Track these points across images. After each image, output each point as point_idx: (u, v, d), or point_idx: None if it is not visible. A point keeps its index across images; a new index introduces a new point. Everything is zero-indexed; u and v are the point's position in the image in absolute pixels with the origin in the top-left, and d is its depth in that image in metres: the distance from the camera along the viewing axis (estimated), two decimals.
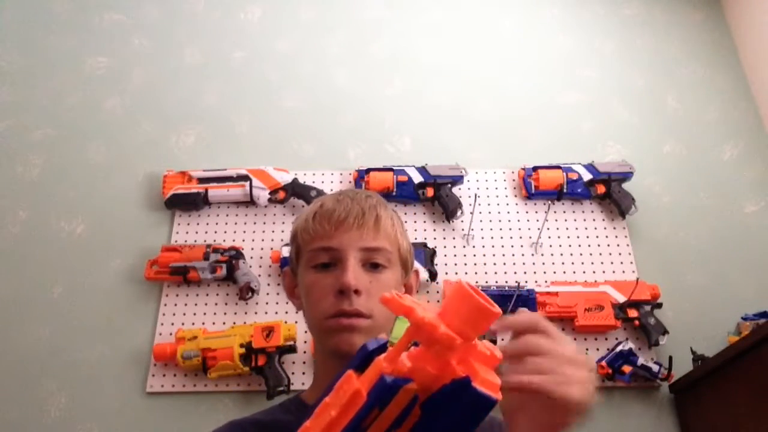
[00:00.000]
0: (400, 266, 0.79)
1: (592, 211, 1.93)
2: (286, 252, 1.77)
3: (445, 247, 1.87)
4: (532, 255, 1.86)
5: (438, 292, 1.79)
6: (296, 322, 1.74)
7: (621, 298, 1.73)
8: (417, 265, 1.59)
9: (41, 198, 1.96)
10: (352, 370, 0.45)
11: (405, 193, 1.87)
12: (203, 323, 1.76)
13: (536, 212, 1.92)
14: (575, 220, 1.92)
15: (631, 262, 1.85)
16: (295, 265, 0.80)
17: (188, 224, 1.90)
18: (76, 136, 2.07)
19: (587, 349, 1.71)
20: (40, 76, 2.18)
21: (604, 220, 1.91)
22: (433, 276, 1.78)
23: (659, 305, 1.74)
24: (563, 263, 1.85)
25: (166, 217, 1.93)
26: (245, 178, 1.90)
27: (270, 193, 1.89)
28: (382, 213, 0.77)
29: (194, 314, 1.78)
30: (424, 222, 1.90)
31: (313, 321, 0.75)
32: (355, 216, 0.75)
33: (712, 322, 1.76)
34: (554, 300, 1.74)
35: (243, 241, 1.87)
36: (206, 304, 1.79)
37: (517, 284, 1.72)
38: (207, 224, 1.90)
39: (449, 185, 1.89)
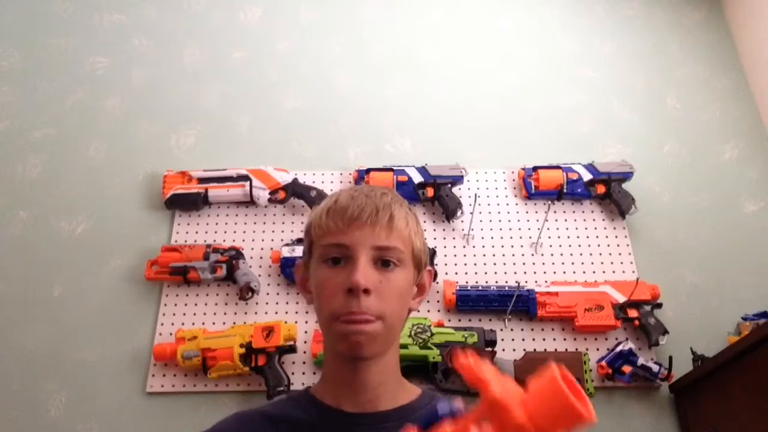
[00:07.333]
0: (412, 266, 0.78)
1: (592, 211, 1.93)
2: (286, 252, 1.77)
3: (445, 247, 1.87)
4: (532, 255, 1.86)
5: (438, 292, 1.79)
6: (296, 322, 1.74)
7: (621, 298, 1.73)
8: None
9: (41, 198, 1.96)
10: (417, 428, 0.45)
11: (405, 193, 1.86)
12: (203, 323, 1.76)
13: (536, 212, 1.92)
14: (575, 220, 1.91)
15: (631, 262, 1.85)
16: (308, 259, 0.80)
17: (188, 224, 1.90)
18: (76, 136, 2.07)
19: (587, 349, 1.71)
20: (40, 76, 2.18)
21: (604, 220, 1.91)
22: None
23: (659, 305, 1.74)
24: (563, 263, 1.85)
25: (166, 217, 1.93)
26: (245, 178, 1.90)
27: (270, 193, 1.89)
28: (397, 211, 0.76)
29: (194, 314, 1.78)
30: (424, 222, 1.90)
31: (323, 319, 0.75)
32: (369, 213, 0.74)
33: (712, 322, 1.76)
34: (554, 300, 1.74)
35: (243, 241, 1.87)
36: (206, 304, 1.79)
37: (517, 284, 1.72)
38: (207, 224, 1.90)
39: (449, 185, 1.89)
